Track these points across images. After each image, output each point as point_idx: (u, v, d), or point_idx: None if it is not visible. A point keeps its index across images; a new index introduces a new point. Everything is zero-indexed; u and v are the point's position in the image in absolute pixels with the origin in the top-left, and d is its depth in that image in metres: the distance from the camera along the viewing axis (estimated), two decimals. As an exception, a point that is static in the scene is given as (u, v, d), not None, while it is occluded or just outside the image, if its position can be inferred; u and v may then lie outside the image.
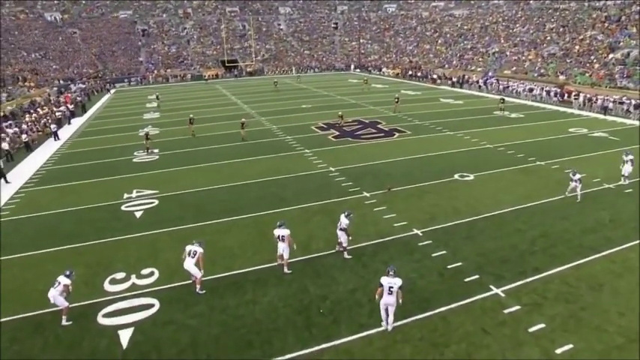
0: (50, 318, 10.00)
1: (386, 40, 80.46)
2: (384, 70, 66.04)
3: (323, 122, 30.58)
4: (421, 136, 25.94)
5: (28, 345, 9.19)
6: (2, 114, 32.60)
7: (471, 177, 18.24)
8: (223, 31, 76.46)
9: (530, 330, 8.85)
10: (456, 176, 18.36)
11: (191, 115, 28.75)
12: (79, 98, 44.04)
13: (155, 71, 68.47)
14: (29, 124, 29.01)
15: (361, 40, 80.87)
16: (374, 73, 67.41)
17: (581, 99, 33.06)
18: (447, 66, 56.87)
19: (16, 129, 27.15)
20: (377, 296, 8.96)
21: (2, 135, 24.74)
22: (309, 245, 12.80)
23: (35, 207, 16.99)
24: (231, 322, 9.57)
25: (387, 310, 8.93)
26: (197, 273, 10.52)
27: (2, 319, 10.01)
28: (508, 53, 50.90)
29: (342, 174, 19.21)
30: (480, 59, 53.68)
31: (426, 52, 66.39)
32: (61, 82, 55.27)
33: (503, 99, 33.00)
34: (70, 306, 10.06)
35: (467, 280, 10.68)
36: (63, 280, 9.91)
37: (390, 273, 8.84)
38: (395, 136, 26.07)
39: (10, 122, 29.52)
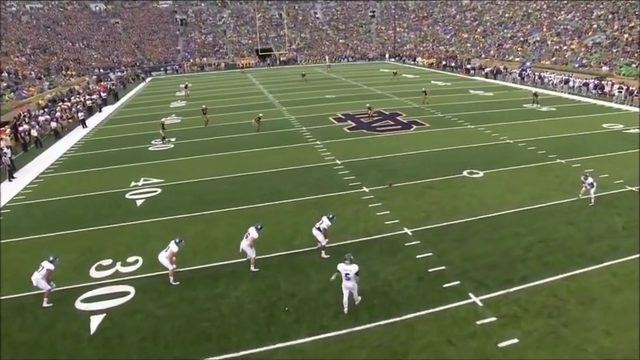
0: (33, 300, 10.41)
1: (423, 28, 77.99)
2: (418, 59, 64.09)
3: (342, 113, 30.09)
4: (440, 129, 24.93)
5: (7, 324, 9.61)
6: (39, 102, 34.42)
7: (481, 174, 17.32)
8: (260, 19, 76.88)
9: (501, 345, 8.24)
10: (465, 173, 17.49)
11: (204, 106, 29.23)
12: (113, 87, 45.72)
13: (191, 60, 69.99)
14: (60, 111, 30.41)
15: (398, 29, 78.83)
16: (408, 63, 65.64)
17: (624, 92, 30.53)
18: (483, 56, 54.35)
19: (47, 116, 28.56)
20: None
21: (32, 123, 26.04)
22: (292, 240, 12.62)
23: (49, 192, 17.79)
24: (195, 314, 9.59)
25: (349, 293, 9.14)
26: (168, 266, 10.62)
27: (-7, 299, 10.55)
28: (549, 42, 47.84)
29: (347, 167, 18.81)
30: (519, 49, 50.83)
31: (464, 41, 63.73)
32: (101, 70, 57.68)
33: (536, 93, 31.01)
34: (55, 289, 10.47)
35: (446, 285, 10.12)
36: (47, 265, 10.29)
37: (347, 261, 9.03)
38: (412, 129, 25.23)
39: (43, 110, 31.08)
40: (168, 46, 72.86)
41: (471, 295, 9.73)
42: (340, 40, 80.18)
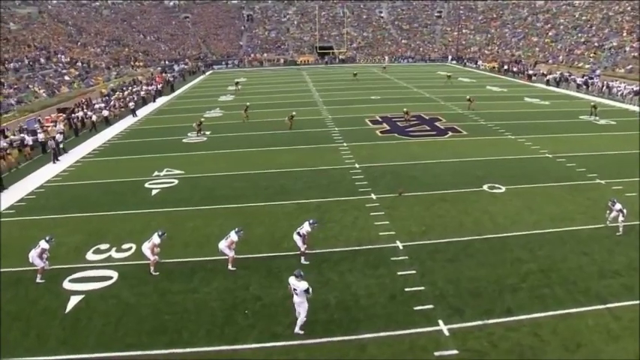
0: (30, 275, 11.23)
1: (491, 30, 73.96)
2: (479, 63, 60.88)
3: (380, 115, 29.39)
4: (476, 137, 23.48)
5: (2, 295, 10.44)
6: (102, 91, 37.24)
7: (502, 189, 16.05)
8: (324, 17, 77.32)
9: (453, 380, 7.57)
10: (485, 187, 16.30)
11: (248, 103, 30.00)
12: (172, 78, 48.23)
13: (252, 55, 72.02)
14: (114, 101, 32.69)
15: (464, 31, 75.51)
16: (469, 66, 62.60)
17: None
18: (550, 61, 50.36)
19: (102, 104, 30.79)
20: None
21: (87, 110, 28.21)
22: (280, 243, 12.50)
23: (82, 176, 19.19)
24: (162, 306, 9.82)
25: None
26: (150, 256, 10.98)
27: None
28: (628, 49, 43.22)
29: (363, 172, 18.32)
30: (592, 55, 46.46)
31: (533, 45, 59.51)
32: (166, 62, 61.16)
33: (596, 105, 28.12)
34: (50, 267, 11.25)
35: (417, 308, 9.46)
36: (42, 244, 11.10)
37: (297, 277, 8.60)
38: (446, 136, 24.02)
39: (102, 98, 33.54)
40: (232, 40, 75.63)
41: (440, 322, 9.01)
42: (403, 41, 78.42)
